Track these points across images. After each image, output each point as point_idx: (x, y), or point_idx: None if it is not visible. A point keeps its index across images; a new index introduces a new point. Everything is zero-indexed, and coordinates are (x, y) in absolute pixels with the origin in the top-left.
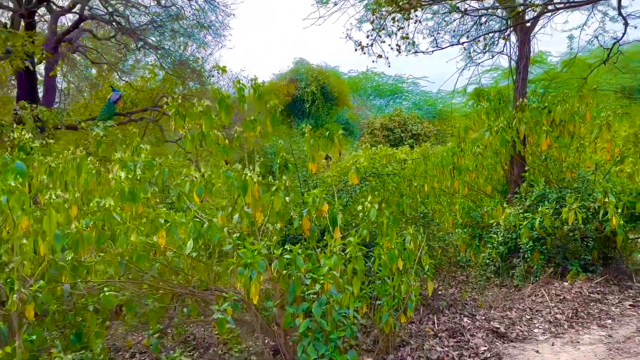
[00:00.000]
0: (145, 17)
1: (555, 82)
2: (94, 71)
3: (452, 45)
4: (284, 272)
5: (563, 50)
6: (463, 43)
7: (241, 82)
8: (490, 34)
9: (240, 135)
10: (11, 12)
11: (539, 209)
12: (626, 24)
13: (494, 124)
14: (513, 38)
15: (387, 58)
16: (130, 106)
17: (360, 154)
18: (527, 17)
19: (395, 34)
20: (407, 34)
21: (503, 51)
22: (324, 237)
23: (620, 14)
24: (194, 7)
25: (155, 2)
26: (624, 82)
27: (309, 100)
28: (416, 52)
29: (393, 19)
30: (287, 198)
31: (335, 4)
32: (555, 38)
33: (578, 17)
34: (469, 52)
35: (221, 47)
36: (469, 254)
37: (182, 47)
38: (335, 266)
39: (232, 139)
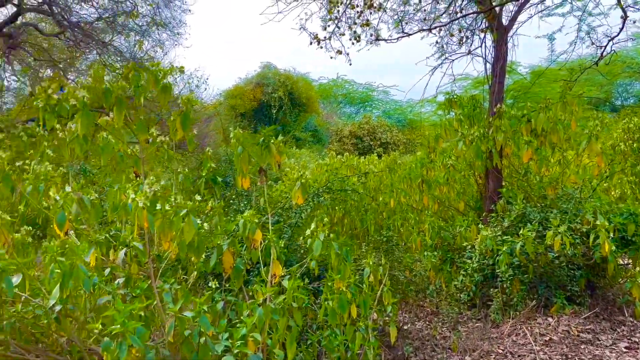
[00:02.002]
0: (93, 12)
1: (524, 94)
2: (49, 71)
3: (422, 30)
4: (186, 332)
5: (533, 61)
6: (434, 28)
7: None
8: (465, 27)
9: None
10: None
11: (520, 231)
12: (625, 17)
13: (468, 132)
14: (489, 38)
15: (348, 54)
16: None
17: (323, 163)
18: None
19: (355, 22)
20: (368, 21)
21: (479, 47)
22: (258, 274)
23: (619, 3)
24: (147, 3)
25: None
26: (589, 94)
27: (276, 105)
28: (378, 39)
29: (353, 5)
30: (205, 225)
31: None
32: (527, 46)
33: (556, 20)
34: (442, 44)
35: (177, 45)
36: (439, 280)
37: (135, 46)
38: (260, 323)
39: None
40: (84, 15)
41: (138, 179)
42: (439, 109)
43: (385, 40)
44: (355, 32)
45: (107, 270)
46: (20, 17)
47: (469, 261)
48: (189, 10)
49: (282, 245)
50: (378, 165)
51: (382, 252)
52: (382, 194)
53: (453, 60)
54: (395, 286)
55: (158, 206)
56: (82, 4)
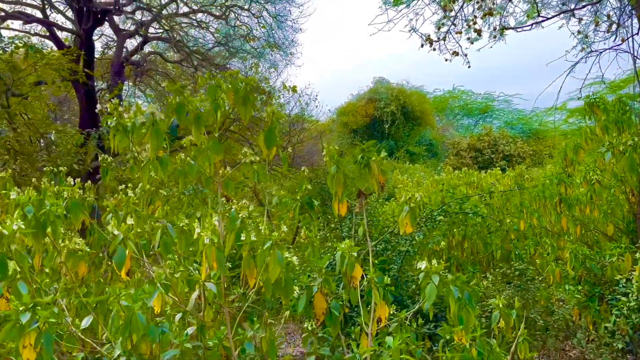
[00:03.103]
0: (210, 37)
1: None
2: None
3: (564, 12)
4: None
5: None
6: (580, 8)
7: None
8: (614, 10)
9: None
10: (71, 34)
11: None
12: None
13: (618, 141)
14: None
15: (466, 55)
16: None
17: (439, 179)
18: None
19: (475, 15)
20: (492, 9)
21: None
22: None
23: None
24: (261, 25)
25: (224, 21)
26: None
27: (389, 120)
28: (504, 29)
29: None
30: (294, 258)
31: (407, 5)
32: None
33: None
34: (585, 34)
35: (289, 65)
36: (585, 320)
37: (252, 69)
38: None
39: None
40: (203, 41)
41: (229, 203)
42: (569, 116)
43: (515, 29)
44: (474, 24)
45: (179, 316)
46: (147, 45)
47: (623, 298)
48: (300, 29)
49: (389, 282)
50: (502, 180)
51: (514, 287)
52: (510, 214)
53: (600, 52)
54: (532, 331)
55: (243, 236)
56: (200, 30)
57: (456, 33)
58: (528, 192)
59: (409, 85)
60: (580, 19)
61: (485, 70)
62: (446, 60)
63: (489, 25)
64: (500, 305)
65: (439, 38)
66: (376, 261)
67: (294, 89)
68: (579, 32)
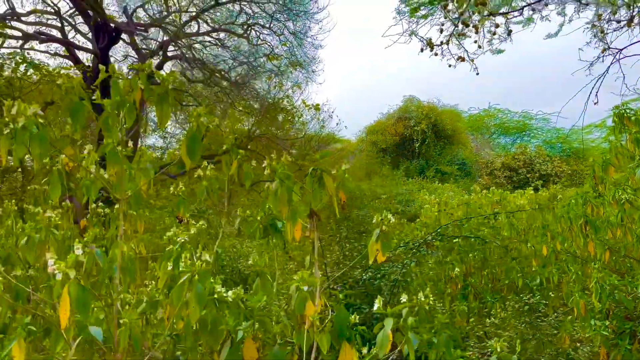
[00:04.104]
0: (229, 55)
1: None
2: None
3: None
4: None
5: None
6: None
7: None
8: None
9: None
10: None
11: None
12: None
13: None
14: None
15: (473, 60)
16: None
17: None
18: None
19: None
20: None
21: None
22: None
23: None
24: (282, 42)
25: (245, 39)
26: None
27: (419, 139)
28: (491, 14)
29: None
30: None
31: (425, 16)
32: None
33: None
34: (600, 28)
35: (310, 82)
36: None
37: (275, 87)
38: None
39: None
40: (223, 61)
41: (181, 224)
42: (610, 134)
43: (504, 14)
44: (493, 24)
45: None
46: (170, 64)
47: None
48: (320, 46)
49: (356, 321)
50: (533, 200)
51: (525, 324)
52: (533, 237)
53: (620, 50)
54: None
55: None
56: (220, 49)
57: (458, 35)
58: (552, 212)
59: (440, 104)
60: (599, 15)
61: (521, 87)
62: (449, 66)
63: (506, 24)
64: (499, 349)
65: (442, 42)
66: (341, 296)
67: (316, 107)
68: (593, 25)
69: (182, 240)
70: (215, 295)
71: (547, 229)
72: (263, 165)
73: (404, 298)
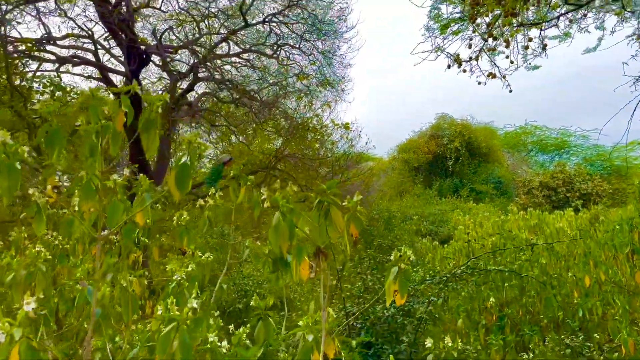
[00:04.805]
0: (258, 75)
1: None
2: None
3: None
4: None
5: None
6: None
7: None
8: None
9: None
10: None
11: None
12: None
13: None
14: None
15: (504, 77)
16: (250, 167)
17: (499, 220)
18: None
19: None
20: (514, 12)
21: None
22: None
23: None
24: (311, 62)
25: (275, 59)
26: None
27: (452, 157)
28: (522, 25)
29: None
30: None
31: (456, 32)
32: None
33: None
34: None
35: (339, 101)
36: None
37: (305, 106)
38: None
39: None
40: (252, 81)
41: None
42: None
43: (536, 24)
44: (506, 42)
45: None
46: (204, 85)
47: None
48: (349, 64)
49: None
50: (573, 222)
51: None
52: (575, 265)
53: None
54: None
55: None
56: (250, 70)
57: (488, 50)
58: (595, 239)
59: (474, 121)
60: None
61: (560, 104)
62: (479, 83)
63: (541, 35)
64: None
65: (470, 58)
66: (353, 342)
67: (346, 126)
68: (638, 37)
69: (179, 279)
70: (208, 345)
71: (590, 256)
72: (262, 198)
73: (428, 343)
